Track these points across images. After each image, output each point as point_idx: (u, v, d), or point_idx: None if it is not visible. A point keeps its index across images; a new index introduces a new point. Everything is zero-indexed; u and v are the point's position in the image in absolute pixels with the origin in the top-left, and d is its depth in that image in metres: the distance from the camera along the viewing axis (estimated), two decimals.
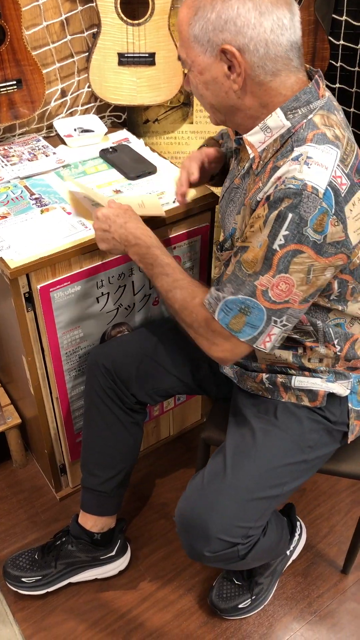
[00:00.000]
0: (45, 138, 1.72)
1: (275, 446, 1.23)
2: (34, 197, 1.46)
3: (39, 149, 1.65)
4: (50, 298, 1.35)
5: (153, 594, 1.60)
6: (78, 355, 1.51)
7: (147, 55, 1.62)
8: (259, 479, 1.20)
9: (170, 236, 1.47)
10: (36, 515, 1.76)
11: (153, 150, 1.68)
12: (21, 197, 1.47)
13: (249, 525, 1.19)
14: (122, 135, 1.75)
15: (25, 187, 1.50)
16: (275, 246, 1.01)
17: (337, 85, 1.91)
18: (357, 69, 1.84)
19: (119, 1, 1.53)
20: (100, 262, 1.39)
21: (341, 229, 1.02)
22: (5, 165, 1.58)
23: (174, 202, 1.45)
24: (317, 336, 1.19)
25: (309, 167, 0.99)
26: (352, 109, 1.91)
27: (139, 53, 1.62)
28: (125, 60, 1.62)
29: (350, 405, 1.25)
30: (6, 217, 1.40)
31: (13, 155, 1.62)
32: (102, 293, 1.45)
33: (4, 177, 1.53)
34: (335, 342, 1.20)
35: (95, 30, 1.63)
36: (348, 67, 1.86)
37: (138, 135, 1.79)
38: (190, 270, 1.59)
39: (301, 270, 1.02)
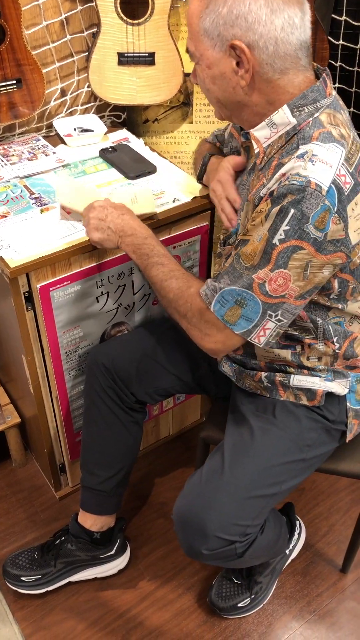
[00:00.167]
0: (45, 137, 1.72)
1: (273, 445, 1.23)
2: (33, 196, 1.47)
3: (38, 149, 1.65)
4: (50, 297, 1.35)
5: (152, 593, 1.60)
6: (78, 355, 1.51)
7: (146, 55, 1.62)
8: (257, 477, 1.20)
9: (170, 236, 1.47)
10: (36, 515, 1.77)
11: (153, 150, 1.68)
12: (21, 196, 1.47)
13: (247, 523, 1.19)
14: (122, 134, 1.75)
15: (25, 186, 1.50)
16: (275, 240, 1.01)
17: (337, 85, 1.91)
18: (356, 68, 1.84)
19: (118, 1, 1.53)
20: (100, 262, 1.39)
21: (342, 228, 1.02)
22: (5, 164, 1.58)
23: (173, 201, 1.45)
24: (316, 333, 1.19)
25: (313, 165, 0.99)
26: (351, 109, 1.91)
27: (139, 53, 1.62)
28: (125, 59, 1.62)
29: (348, 404, 1.26)
30: (6, 216, 1.40)
31: (13, 155, 1.62)
32: (101, 292, 1.45)
33: (4, 176, 1.53)
34: (335, 339, 1.20)
35: (95, 29, 1.63)
36: (347, 67, 1.86)
37: (138, 134, 1.79)
38: (190, 270, 1.59)
39: (299, 266, 1.02)
